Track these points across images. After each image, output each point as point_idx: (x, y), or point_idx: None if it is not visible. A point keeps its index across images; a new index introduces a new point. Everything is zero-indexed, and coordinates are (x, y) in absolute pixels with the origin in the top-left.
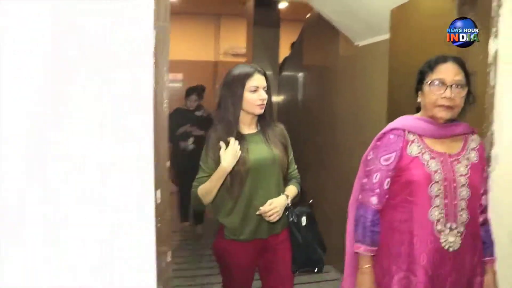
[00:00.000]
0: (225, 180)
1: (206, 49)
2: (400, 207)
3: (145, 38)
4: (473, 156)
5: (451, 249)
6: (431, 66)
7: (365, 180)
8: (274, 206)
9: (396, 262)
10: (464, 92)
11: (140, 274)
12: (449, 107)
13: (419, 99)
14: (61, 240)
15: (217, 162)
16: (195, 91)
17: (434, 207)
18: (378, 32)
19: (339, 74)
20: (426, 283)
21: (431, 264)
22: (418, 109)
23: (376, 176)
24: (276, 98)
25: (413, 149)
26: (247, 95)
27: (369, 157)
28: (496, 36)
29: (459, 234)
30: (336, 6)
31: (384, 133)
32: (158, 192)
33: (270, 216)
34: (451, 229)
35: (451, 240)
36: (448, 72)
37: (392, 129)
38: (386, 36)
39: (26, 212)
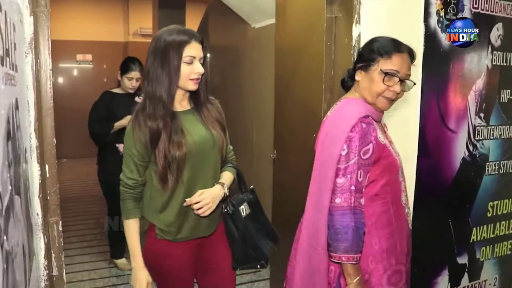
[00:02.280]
0: (156, 169)
1: (116, 29)
2: (379, 199)
3: (26, 23)
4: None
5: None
6: (388, 52)
7: (342, 180)
8: (203, 198)
9: (383, 260)
10: (406, 86)
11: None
12: (392, 100)
13: (357, 78)
14: None
15: (147, 146)
16: (137, 63)
17: (402, 191)
18: (272, 15)
19: (240, 54)
20: (408, 270)
21: (408, 249)
22: (343, 82)
23: (360, 173)
24: None
25: (380, 136)
26: (181, 67)
27: (343, 152)
28: (358, 22)
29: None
30: None
31: (355, 123)
32: (46, 166)
33: (198, 209)
34: (409, 208)
35: (410, 220)
36: (403, 64)
37: (361, 118)
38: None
39: None
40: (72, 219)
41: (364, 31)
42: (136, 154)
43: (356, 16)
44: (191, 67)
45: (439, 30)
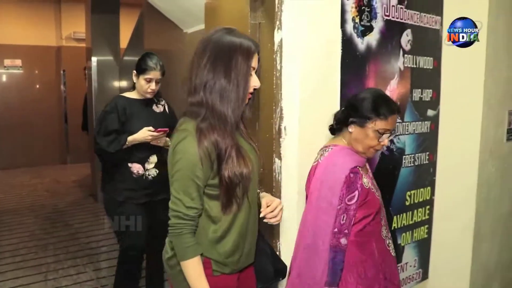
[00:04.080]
0: (214, 193)
1: (47, 33)
2: (362, 236)
3: None
4: None
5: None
6: (385, 114)
7: (328, 221)
8: (278, 203)
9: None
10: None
11: None
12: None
13: (351, 130)
14: None
15: (212, 167)
16: (158, 60)
17: (382, 226)
18: (203, 21)
19: (175, 59)
20: None
21: (393, 276)
22: (333, 130)
23: (344, 217)
24: (118, 84)
25: (365, 181)
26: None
27: (333, 200)
28: (280, 28)
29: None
30: None
31: (345, 176)
32: None
33: (274, 217)
34: (390, 239)
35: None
36: (394, 123)
37: (351, 169)
38: None
39: None
40: (6, 233)
41: (286, 36)
42: (201, 177)
43: (278, 22)
44: (252, 79)
45: (355, 35)
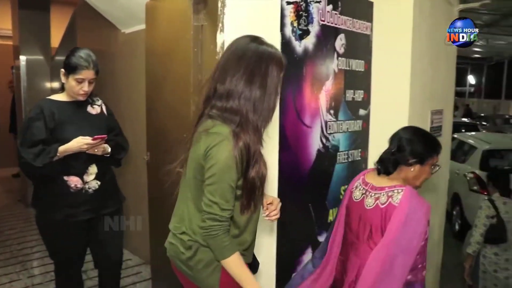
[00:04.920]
0: (238, 193)
1: None
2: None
3: None
4: None
5: None
6: (437, 151)
7: (408, 261)
8: (278, 200)
9: None
10: None
11: None
12: None
13: (412, 169)
14: None
15: (242, 170)
16: (91, 57)
17: None
18: (141, 21)
19: (111, 59)
20: None
21: None
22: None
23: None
24: (49, 85)
25: None
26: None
27: (414, 241)
28: (222, 30)
29: None
30: None
31: (428, 220)
32: None
33: (275, 215)
34: None
35: None
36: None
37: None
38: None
39: None
40: None
41: (228, 38)
42: (235, 180)
43: (220, 24)
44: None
45: (293, 38)
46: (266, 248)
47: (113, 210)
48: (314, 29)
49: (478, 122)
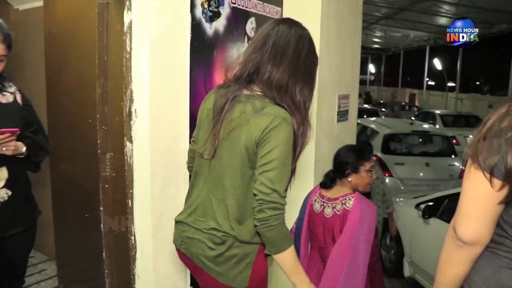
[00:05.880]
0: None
1: None
2: None
3: None
4: None
5: None
6: (365, 158)
7: (368, 250)
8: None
9: None
10: None
11: None
12: None
13: (350, 179)
14: None
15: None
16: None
17: None
18: None
19: None
20: None
21: None
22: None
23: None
24: None
25: None
26: None
27: (369, 237)
28: (129, 9)
29: None
30: None
31: (376, 219)
32: None
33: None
34: None
35: None
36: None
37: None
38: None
39: None
40: None
41: (136, 18)
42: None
43: (128, 3)
44: None
45: (203, 20)
46: None
47: (23, 230)
48: (225, 11)
49: (378, 109)
